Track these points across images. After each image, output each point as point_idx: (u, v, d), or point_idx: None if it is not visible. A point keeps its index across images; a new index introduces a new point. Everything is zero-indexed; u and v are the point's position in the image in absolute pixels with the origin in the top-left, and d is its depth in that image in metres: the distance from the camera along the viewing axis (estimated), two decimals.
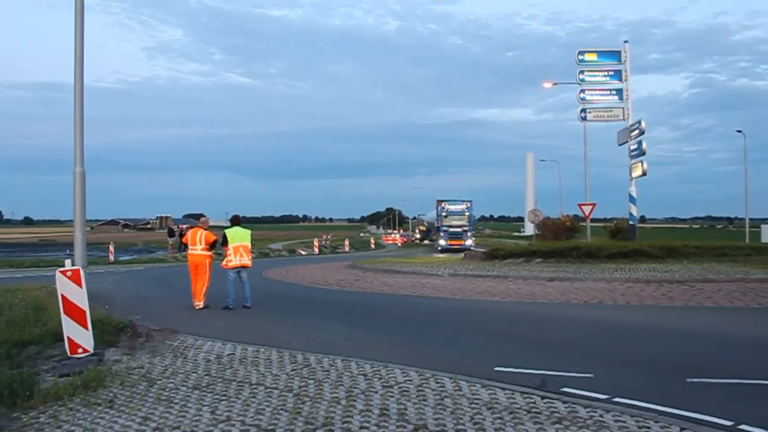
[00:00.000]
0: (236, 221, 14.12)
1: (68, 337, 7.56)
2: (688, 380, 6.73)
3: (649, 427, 5.02)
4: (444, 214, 51.01)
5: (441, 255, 39.98)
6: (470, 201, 53.95)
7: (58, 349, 8.13)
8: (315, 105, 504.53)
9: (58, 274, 7.61)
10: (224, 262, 13.68)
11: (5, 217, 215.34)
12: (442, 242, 49.86)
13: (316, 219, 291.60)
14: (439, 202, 53.15)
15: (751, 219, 49.11)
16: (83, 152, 10.62)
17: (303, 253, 47.76)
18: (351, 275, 22.71)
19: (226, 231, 13.76)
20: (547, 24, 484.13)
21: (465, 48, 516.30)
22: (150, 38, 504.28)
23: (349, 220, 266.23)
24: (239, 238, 13.68)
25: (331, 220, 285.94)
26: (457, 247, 46.41)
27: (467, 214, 50.85)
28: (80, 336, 7.60)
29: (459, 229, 49.62)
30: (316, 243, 51.29)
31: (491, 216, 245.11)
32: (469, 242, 48.63)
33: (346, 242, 57.49)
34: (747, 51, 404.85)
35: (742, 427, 5.15)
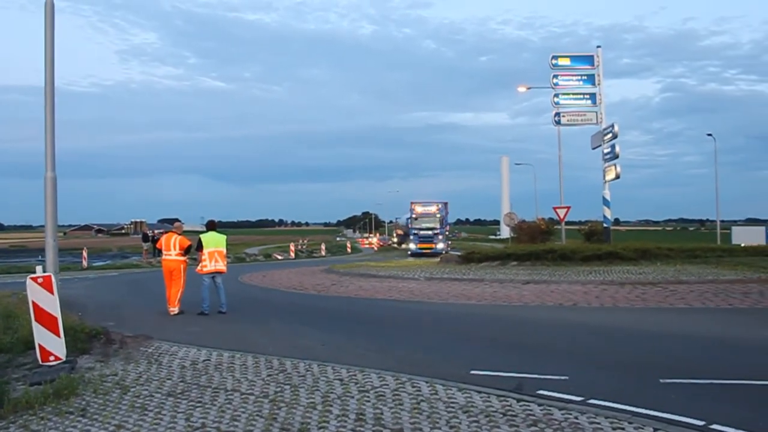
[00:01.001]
0: (212, 226, 14.04)
1: (39, 345, 7.45)
2: (662, 381, 6.81)
3: (623, 428, 5.07)
4: (414, 216, 47.06)
5: (412, 259, 37.76)
6: (445, 202, 50.76)
7: (29, 357, 8.00)
8: (290, 109, 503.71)
9: (29, 281, 7.49)
10: (199, 267, 13.64)
11: None
12: (412, 246, 46.30)
13: (293, 223, 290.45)
14: (413, 204, 49.08)
15: (722, 221, 49.86)
16: (54, 157, 10.47)
17: (279, 257, 47.49)
18: (327, 280, 22.65)
19: (201, 236, 13.67)
20: (520, 29, 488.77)
21: (439, 52, 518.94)
22: (123, 41, 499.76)
23: (326, 225, 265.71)
24: (214, 243, 13.61)
25: (307, 224, 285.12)
26: (429, 251, 43.33)
27: (439, 216, 46.61)
28: (52, 343, 7.49)
29: (430, 232, 45.51)
30: (292, 247, 50.98)
31: (467, 219, 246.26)
32: (441, 246, 44.66)
33: (323, 246, 57.31)
34: (716, 56, 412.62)
35: (714, 426, 5.22)
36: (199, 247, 13.57)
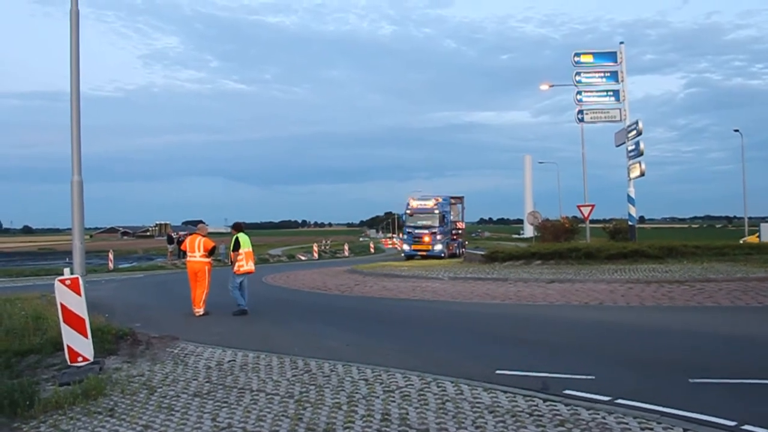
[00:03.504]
0: (239, 228, 14.14)
1: (68, 346, 7.53)
2: (691, 381, 6.71)
3: (652, 429, 5.00)
4: (408, 211, 40.27)
5: (407, 263, 32.66)
6: (459, 197, 44.99)
7: (57, 358, 8.11)
8: (311, 110, 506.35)
9: (57, 283, 7.58)
10: (236, 268, 13.66)
11: (4, 226, 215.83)
12: (405, 247, 40.37)
13: (315, 224, 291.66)
14: (409, 198, 42.18)
15: (749, 218, 49.26)
16: (81, 161, 10.59)
17: (302, 258, 47.71)
18: (351, 280, 22.67)
19: (239, 236, 13.76)
20: (541, 26, 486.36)
21: (459, 51, 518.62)
22: (145, 46, 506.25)
23: (349, 225, 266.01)
24: (247, 244, 13.73)
25: (330, 225, 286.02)
26: (424, 253, 37.85)
27: (438, 212, 38.72)
28: (80, 344, 7.57)
29: (426, 231, 38.39)
30: (315, 248, 51.16)
31: (490, 218, 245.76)
32: (439, 247, 38.07)
33: (346, 247, 57.42)
34: (741, 50, 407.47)
35: (746, 427, 5.12)
36: (236, 247, 13.67)
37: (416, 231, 38.82)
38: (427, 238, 38.23)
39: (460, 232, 44.41)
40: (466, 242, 49.10)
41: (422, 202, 40.04)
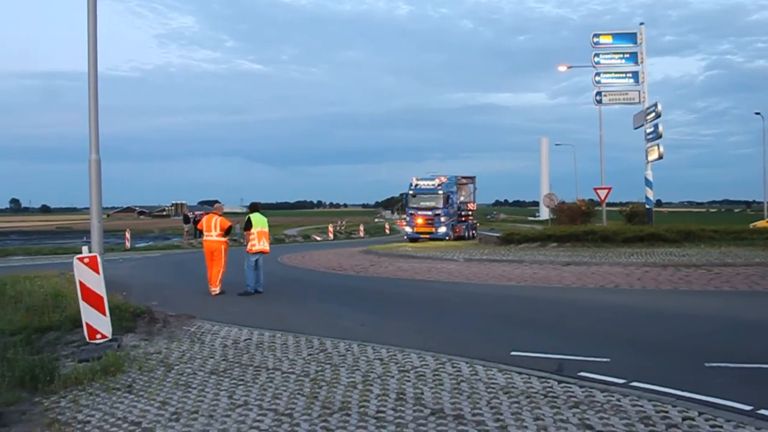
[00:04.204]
0: (255, 208, 14.18)
1: (87, 323, 7.62)
2: (707, 365, 6.68)
3: (667, 412, 4.99)
4: (411, 192, 37.85)
5: (421, 245, 31.84)
6: (471, 177, 42.53)
7: (76, 335, 8.21)
8: (327, 91, 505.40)
9: (75, 261, 7.66)
10: (249, 247, 13.74)
11: (23, 206, 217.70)
12: (408, 229, 38.29)
13: (331, 205, 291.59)
14: (413, 179, 39.31)
15: None
16: (98, 139, 10.64)
17: (318, 238, 47.81)
18: (366, 260, 22.74)
19: (251, 215, 13.82)
20: (559, 7, 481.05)
21: (476, 32, 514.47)
22: (161, 26, 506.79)
23: (364, 206, 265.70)
24: (261, 223, 13.78)
25: (345, 205, 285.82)
26: (427, 235, 36.00)
27: (442, 192, 36.52)
28: (98, 322, 7.66)
29: (429, 212, 36.24)
30: (330, 229, 51.23)
31: (506, 200, 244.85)
32: (443, 229, 36.07)
33: (361, 228, 57.44)
34: (764, 31, 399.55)
35: (762, 411, 5.09)
36: (248, 226, 13.74)
37: (419, 212, 36.82)
38: (430, 220, 36.32)
39: (470, 213, 42.42)
40: (478, 224, 47.29)
41: (426, 182, 37.77)
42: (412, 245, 30.36)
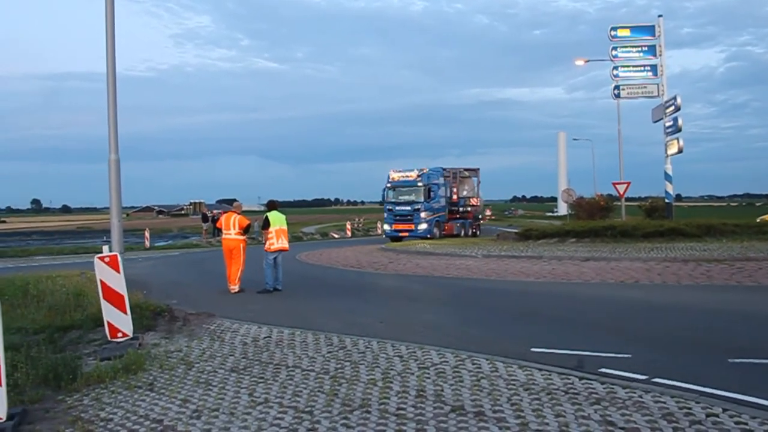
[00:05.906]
0: (273, 206, 14.21)
1: (108, 322, 7.70)
2: (730, 360, 6.60)
3: (690, 408, 4.93)
4: (389, 185, 34.01)
5: (439, 241, 30.24)
6: (475, 169, 39.35)
7: (98, 333, 8.29)
8: (342, 88, 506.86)
9: (96, 260, 7.73)
10: (267, 245, 13.78)
11: (44, 206, 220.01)
12: (386, 227, 34.64)
13: (348, 202, 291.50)
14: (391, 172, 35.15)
15: None
16: (117, 140, 10.75)
17: (336, 236, 47.89)
18: (384, 257, 22.73)
19: (269, 214, 13.87)
20: (575, 0, 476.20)
21: (491, 27, 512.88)
22: (177, 25, 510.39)
23: (381, 203, 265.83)
24: (280, 221, 13.81)
25: (363, 202, 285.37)
26: (406, 233, 32.57)
27: (422, 185, 32.70)
28: (119, 320, 7.74)
29: (408, 208, 32.63)
30: (348, 226, 51.25)
31: (524, 196, 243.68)
32: (423, 227, 32.29)
33: (379, 225, 57.34)
34: None
35: None
36: (266, 225, 13.78)
37: (396, 208, 33.27)
38: (408, 216, 32.70)
39: (469, 209, 38.34)
40: (482, 219, 43.04)
41: (403, 174, 33.88)
42: (431, 242, 30.02)
